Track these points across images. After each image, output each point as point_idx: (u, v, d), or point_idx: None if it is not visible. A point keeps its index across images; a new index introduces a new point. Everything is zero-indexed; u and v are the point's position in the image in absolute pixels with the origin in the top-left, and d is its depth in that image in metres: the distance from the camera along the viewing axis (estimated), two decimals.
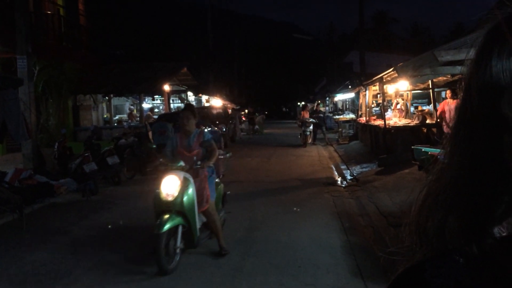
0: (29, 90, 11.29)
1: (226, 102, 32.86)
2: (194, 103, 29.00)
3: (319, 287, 4.64)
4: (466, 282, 0.52)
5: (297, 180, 11.15)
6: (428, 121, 12.34)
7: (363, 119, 17.11)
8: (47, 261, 5.57)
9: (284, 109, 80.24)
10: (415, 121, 12.91)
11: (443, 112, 10.57)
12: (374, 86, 15.57)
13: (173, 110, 22.99)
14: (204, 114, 18.83)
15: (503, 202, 0.54)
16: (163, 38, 38.93)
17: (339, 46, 44.36)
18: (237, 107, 33.75)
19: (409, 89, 14.12)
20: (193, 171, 5.18)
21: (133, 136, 12.51)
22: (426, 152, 8.13)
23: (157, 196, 5.07)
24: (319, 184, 10.43)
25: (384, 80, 12.93)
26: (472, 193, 0.54)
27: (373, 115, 16.50)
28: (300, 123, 20.91)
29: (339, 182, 10.86)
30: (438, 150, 0.65)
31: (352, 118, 23.03)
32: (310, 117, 21.08)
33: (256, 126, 30.74)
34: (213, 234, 5.52)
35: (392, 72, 11.42)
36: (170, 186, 5.00)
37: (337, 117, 24.48)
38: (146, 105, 22.04)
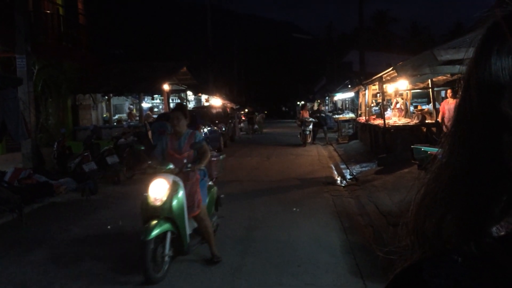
0: (28, 89, 11.28)
1: (226, 102, 32.86)
2: (193, 102, 29.02)
3: (318, 286, 4.64)
4: (464, 282, 0.52)
5: (296, 180, 11.16)
6: (427, 120, 12.34)
7: (362, 119, 17.12)
8: (44, 263, 5.57)
9: (283, 108, 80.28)
10: (415, 121, 12.91)
11: (443, 112, 10.57)
12: (374, 85, 15.57)
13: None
14: (203, 114, 18.86)
15: (502, 201, 0.54)
16: (163, 37, 38.92)
17: (338, 46, 44.34)
18: (237, 107, 33.76)
19: (408, 88, 14.13)
20: (183, 174, 4.91)
21: (132, 136, 12.51)
22: (426, 151, 8.13)
23: (144, 200, 4.80)
24: (319, 184, 10.43)
25: (384, 80, 12.93)
26: (470, 192, 0.54)
27: (373, 115, 16.51)
28: (299, 123, 20.91)
29: (338, 182, 10.86)
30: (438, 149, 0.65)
31: (351, 117, 23.05)
32: (312, 116, 21.10)
33: (256, 126, 30.75)
34: (205, 240, 5.24)
35: (392, 72, 11.42)
36: (158, 190, 4.72)
37: (336, 116, 24.49)
38: (145, 105, 22.03)
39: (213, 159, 5.69)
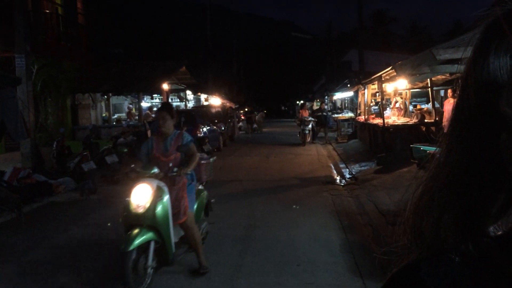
0: (27, 89, 11.27)
1: (225, 101, 32.86)
2: (193, 102, 29.00)
3: (318, 286, 4.64)
4: (462, 281, 0.52)
5: (296, 179, 11.16)
6: (426, 119, 12.34)
7: (362, 118, 17.13)
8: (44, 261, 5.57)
9: (283, 107, 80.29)
10: (414, 120, 12.92)
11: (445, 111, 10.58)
12: (373, 84, 15.58)
13: None
14: (203, 113, 18.86)
15: (499, 201, 0.54)
16: (162, 37, 38.92)
17: (338, 45, 44.31)
18: (236, 106, 33.76)
19: (407, 87, 14.13)
20: (168, 178, 4.55)
21: (132, 135, 12.52)
22: (425, 151, 8.15)
23: (126, 207, 4.41)
24: (318, 183, 10.43)
25: (383, 79, 12.93)
26: (468, 192, 0.54)
27: (372, 114, 16.52)
28: (299, 122, 20.92)
29: (338, 181, 10.86)
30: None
31: (351, 116, 23.07)
32: (314, 115, 21.14)
33: (255, 125, 30.74)
34: (192, 249, 4.90)
35: (391, 71, 11.42)
36: (141, 196, 4.36)
37: (336, 115, 24.50)
38: (145, 104, 22.03)
39: (202, 161, 5.36)
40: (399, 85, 13.72)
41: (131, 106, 22.81)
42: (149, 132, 13.90)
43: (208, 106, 24.78)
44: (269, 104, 72.34)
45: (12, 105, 9.04)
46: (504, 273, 0.51)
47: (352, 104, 26.27)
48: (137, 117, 19.36)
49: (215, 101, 29.69)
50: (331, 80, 37.02)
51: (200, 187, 5.44)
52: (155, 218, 4.32)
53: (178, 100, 26.67)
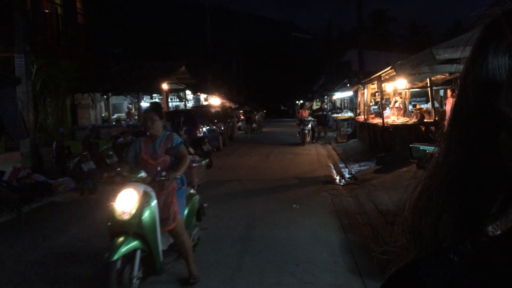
0: (27, 89, 11.26)
1: (225, 101, 32.86)
2: (192, 101, 29.00)
3: (317, 285, 4.64)
4: (460, 281, 0.52)
5: (295, 179, 11.16)
6: (426, 119, 12.35)
7: (361, 118, 17.13)
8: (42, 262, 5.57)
9: (282, 107, 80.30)
10: (413, 119, 12.92)
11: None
12: (373, 84, 15.57)
13: (171, 109, 23.00)
14: (202, 113, 18.86)
15: (498, 201, 0.54)
16: (162, 36, 38.91)
17: (337, 45, 44.30)
18: (236, 106, 33.75)
19: (407, 87, 14.13)
20: (156, 183, 4.29)
21: (131, 135, 12.50)
22: (424, 150, 8.15)
23: (110, 213, 4.14)
24: (318, 183, 10.43)
25: (383, 79, 12.93)
26: (466, 191, 0.54)
27: (372, 114, 16.51)
28: (298, 122, 20.92)
29: (337, 181, 10.86)
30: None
31: (350, 116, 23.06)
32: (315, 114, 21.15)
33: (254, 125, 30.74)
34: (182, 257, 4.59)
35: (390, 71, 11.42)
36: (127, 202, 4.09)
37: (335, 115, 24.51)
38: (144, 104, 21.97)
39: (194, 164, 5.14)
40: (398, 85, 13.72)
41: (130, 106, 22.80)
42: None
43: (208, 106, 24.78)
44: (268, 104, 72.38)
45: (11, 105, 9.04)
46: (503, 273, 0.51)
47: (352, 104, 26.27)
48: (136, 117, 19.36)
49: (215, 101, 29.69)
50: (331, 79, 36.99)
51: (192, 191, 5.19)
52: (141, 225, 4.06)
53: (178, 100, 26.68)
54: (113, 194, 4.21)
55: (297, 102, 54.99)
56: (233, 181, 10.88)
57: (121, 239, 3.96)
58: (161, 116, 4.46)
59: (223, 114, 22.39)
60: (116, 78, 18.21)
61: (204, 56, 32.49)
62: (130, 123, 17.18)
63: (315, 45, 62.54)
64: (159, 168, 4.33)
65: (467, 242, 0.54)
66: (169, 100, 24.42)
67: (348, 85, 26.67)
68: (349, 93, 25.55)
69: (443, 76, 12.83)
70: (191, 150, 12.35)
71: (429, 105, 13.60)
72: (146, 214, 4.10)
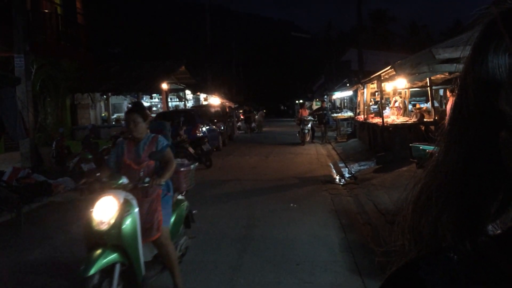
0: (26, 88, 11.26)
1: (224, 101, 32.88)
2: (192, 101, 29.01)
3: (317, 285, 4.64)
4: (460, 280, 0.52)
5: (295, 178, 11.16)
6: (426, 118, 12.35)
7: (361, 117, 17.13)
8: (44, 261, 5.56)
9: (282, 107, 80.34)
10: (413, 119, 12.92)
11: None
12: (372, 84, 15.58)
13: (171, 109, 23.01)
14: (202, 113, 18.86)
15: (498, 200, 0.54)
16: (162, 36, 38.93)
17: (337, 45, 44.34)
18: (235, 106, 33.76)
19: (407, 87, 14.14)
20: (138, 190, 3.92)
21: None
22: (424, 150, 8.16)
23: (87, 223, 3.78)
24: (317, 182, 10.43)
25: (382, 78, 12.93)
26: (466, 191, 0.54)
27: (371, 113, 16.51)
28: (298, 121, 20.93)
29: (337, 180, 10.86)
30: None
31: (350, 116, 23.07)
32: (316, 114, 21.15)
33: (253, 124, 30.74)
34: (167, 269, 4.22)
35: (390, 70, 11.42)
36: (105, 211, 3.75)
37: (335, 115, 24.52)
38: (144, 104, 21.98)
39: (182, 169, 4.77)
40: (398, 84, 13.72)
41: (130, 106, 22.77)
42: (148, 132, 13.91)
43: (208, 106, 24.78)
44: (268, 103, 72.43)
45: (11, 105, 9.04)
46: (502, 272, 0.51)
47: (352, 104, 26.28)
48: None
49: (215, 100, 29.70)
50: (331, 79, 37.03)
51: (180, 197, 4.78)
52: (121, 236, 3.70)
53: (178, 99, 26.68)
54: (92, 201, 3.87)
55: (296, 101, 55.01)
56: (233, 180, 10.88)
57: (98, 251, 3.61)
58: (145, 117, 4.14)
59: (223, 114, 22.39)
60: (116, 78, 18.22)
61: (204, 56, 32.49)
62: None
63: (314, 45, 62.59)
64: (141, 174, 3.99)
65: (467, 241, 0.54)
66: (169, 100, 24.42)
67: (347, 84, 26.69)
68: (349, 93, 25.57)
69: (443, 76, 12.83)
70: (191, 150, 12.40)
71: (428, 105, 13.61)
72: (126, 224, 3.74)
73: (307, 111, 22.17)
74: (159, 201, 4.05)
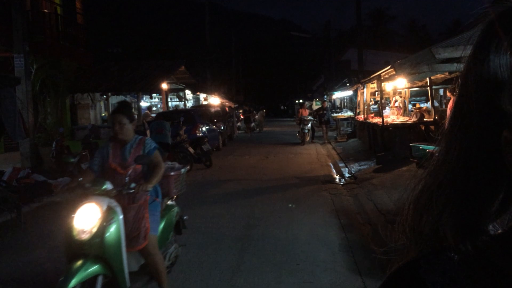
0: (26, 88, 11.27)
1: (224, 100, 32.87)
2: (192, 101, 29.00)
3: (317, 284, 4.64)
4: (460, 279, 0.52)
5: (295, 178, 11.16)
6: (426, 118, 12.36)
7: (361, 117, 17.13)
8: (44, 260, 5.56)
9: (282, 107, 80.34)
10: (413, 119, 12.92)
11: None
12: (372, 83, 15.58)
13: (171, 109, 23.01)
14: (202, 113, 18.87)
15: (499, 199, 0.54)
16: (161, 36, 38.92)
17: (337, 44, 44.34)
18: (235, 105, 33.76)
19: (407, 86, 14.14)
20: (123, 196, 3.68)
21: None
22: (424, 149, 8.16)
23: (68, 232, 3.54)
24: (317, 182, 10.43)
25: (382, 78, 12.93)
26: (467, 190, 0.54)
27: (371, 113, 16.52)
28: (298, 121, 20.94)
29: (337, 180, 10.86)
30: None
31: (350, 116, 23.08)
32: (317, 113, 21.16)
33: (253, 124, 30.73)
34: (154, 280, 3.95)
35: (390, 70, 11.42)
36: (86, 219, 3.48)
37: (335, 115, 24.53)
38: (144, 104, 22.02)
39: (171, 173, 4.50)
40: (398, 84, 13.73)
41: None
42: (148, 132, 13.92)
43: (207, 106, 24.79)
44: (268, 103, 72.45)
45: (11, 105, 9.03)
46: (503, 272, 0.51)
47: (351, 103, 26.29)
48: (135, 117, 19.35)
49: (214, 100, 29.71)
50: (330, 79, 37.04)
51: (170, 202, 4.51)
52: (103, 246, 3.43)
53: (177, 99, 26.69)
54: (73, 206, 3.60)
55: (296, 101, 55.02)
56: (233, 180, 10.88)
57: (79, 262, 3.37)
58: (131, 118, 3.90)
59: (223, 114, 22.39)
60: (115, 78, 18.22)
61: (204, 55, 32.49)
62: None
63: (314, 44, 62.57)
64: (127, 179, 3.72)
65: (467, 241, 0.54)
66: (169, 99, 24.43)
67: (347, 84, 26.70)
68: (349, 93, 25.57)
69: (443, 75, 12.83)
70: (191, 150, 12.41)
71: (428, 104, 13.61)
72: (110, 233, 3.47)
73: (307, 111, 22.18)
74: (146, 207, 3.81)
